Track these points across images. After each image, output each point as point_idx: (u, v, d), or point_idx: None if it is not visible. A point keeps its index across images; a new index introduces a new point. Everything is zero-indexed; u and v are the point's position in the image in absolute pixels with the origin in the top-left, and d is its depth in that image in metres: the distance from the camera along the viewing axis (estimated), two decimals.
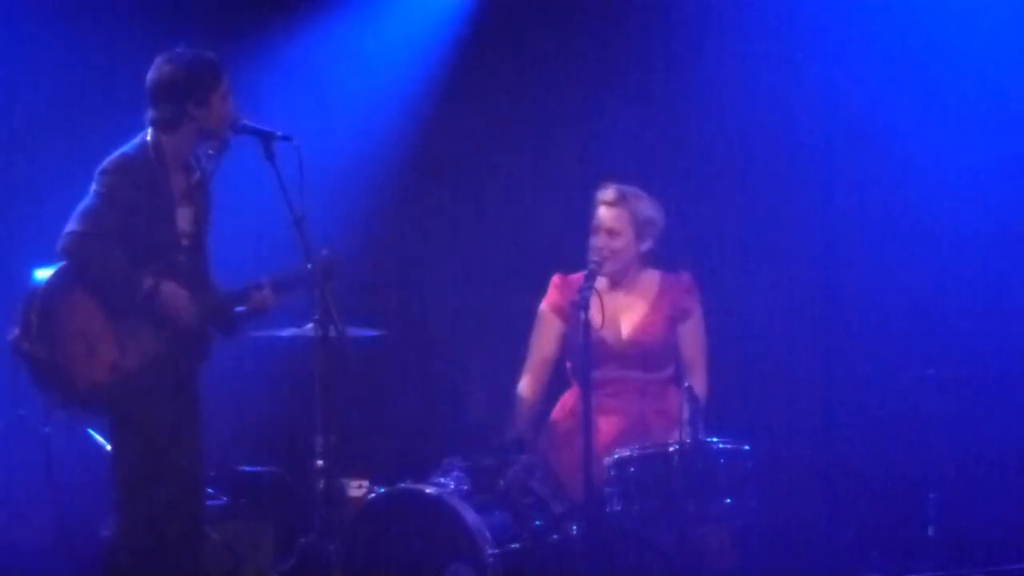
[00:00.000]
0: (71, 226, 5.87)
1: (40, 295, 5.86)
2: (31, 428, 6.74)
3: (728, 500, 6.08)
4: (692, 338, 6.77)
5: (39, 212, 6.09)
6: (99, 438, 6.92)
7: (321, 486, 6.11)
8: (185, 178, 6.04)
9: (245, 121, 6.02)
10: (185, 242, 6.02)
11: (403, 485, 6.52)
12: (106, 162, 5.96)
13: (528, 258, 7.91)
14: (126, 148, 6.00)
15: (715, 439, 6.16)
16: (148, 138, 5.99)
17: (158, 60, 5.99)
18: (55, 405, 6.09)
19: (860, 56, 7.87)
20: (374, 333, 7.02)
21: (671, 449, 6.09)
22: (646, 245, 6.77)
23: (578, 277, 6.53)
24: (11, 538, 7.33)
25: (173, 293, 5.89)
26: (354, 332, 6.25)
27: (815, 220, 7.96)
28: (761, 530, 6.58)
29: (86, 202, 5.91)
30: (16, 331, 5.89)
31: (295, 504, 7.06)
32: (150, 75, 5.99)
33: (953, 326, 7.66)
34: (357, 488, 6.95)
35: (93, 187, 5.93)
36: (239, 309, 6.07)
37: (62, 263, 5.89)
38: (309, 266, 6.02)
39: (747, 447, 6.19)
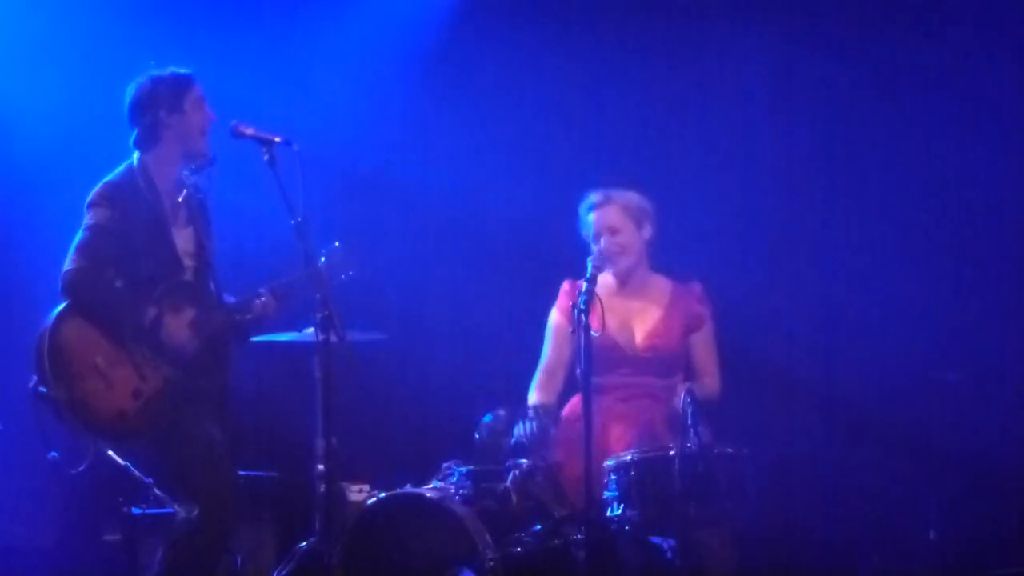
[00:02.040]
0: (67, 264, 5.95)
1: (47, 337, 5.92)
2: (63, 469, 6.75)
3: (728, 504, 6.07)
4: (705, 347, 6.78)
5: (53, 254, 6.09)
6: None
7: (322, 490, 6.10)
8: (178, 198, 6.08)
9: (245, 127, 6.03)
10: (189, 262, 6.09)
11: (404, 489, 6.53)
12: (92, 193, 6.03)
13: (529, 260, 7.91)
14: (110, 176, 6.07)
15: (715, 442, 6.16)
16: (134, 162, 6.04)
17: (131, 84, 6.08)
18: (88, 443, 6.12)
19: (859, 55, 7.86)
20: (375, 337, 7.02)
21: (671, 453, 6.08)
22: (647, 233, 6.79)
23: None
24: (15, 539, 7.35)
25: (175, 328, 5.96)
26: (355, 336, 6.26)
27: (815, 222, 7.96)
28: (761, 533, 6.57)
29: (78, 237, 5.96)
30: (34, 377, 5.93)
31: (296, 508, 7.06)
32: (126, 98, 6.07)
33: (954, 328, 7.66)
34: (358, 492, 6.95)
35: (83, 220, 5.97)
36: (246, 318, 6.17)
37: (65, 302, 5.94)
38: (322, 260, 6.16)
39: (747, 450, 6.18)
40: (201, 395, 6.06)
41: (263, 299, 6.16)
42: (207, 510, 5.98)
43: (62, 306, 5.97)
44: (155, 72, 6.12)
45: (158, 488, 6.68)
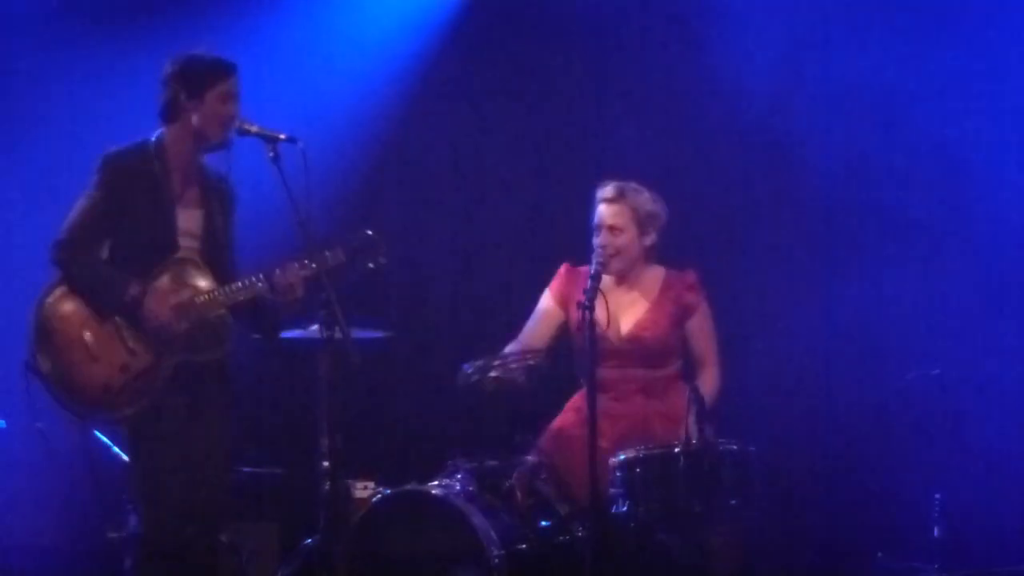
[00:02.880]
0: (59, 234, 5.90)
1: (36, 309, 5.90)
2: (49, 441, 6.75)
3: (733, 501, 6.08)
4: (700, 333, 6.76)
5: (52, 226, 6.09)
6: (104, 438, 6.93)
7: (326, 487, 6.09)
8: (191, 179, 6.03)
9: (249, 124, 6.00)
10: (190, 243, 5.99)
11: (408, 486, 6.53)
12: (98, 159, 5.97)
13: (532, 258, 7.90)
14: (123, 145, 6.00)
15: (720, 440, 6.16)
16: (152, 136, 6.00)
17: (174, 54, 6.04)
18: (76, 417, 6.08)
19: (859, 55, 7.87)
20: (379, 334, 7.02)
21: (676, 450, 6.08)
22: (649, 239, 6.77)
23: (586, 270, 6.52)
24: (18, 539, 7.35)
25: (156, 306, 5.87)
26: (359, 333, 6.24)
27: (817, 219, 7.96)
28: (766, 531, 6.57)
29: (76, 205, 5.92)
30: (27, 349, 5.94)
31: (300, 506, 7.06)
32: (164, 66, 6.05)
33: (958, 325, 7.65)
34: (362, 489, 6.94)
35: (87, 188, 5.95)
36: (271, 301, 6.01)
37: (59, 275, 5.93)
38: (348, 246, 6.01)
39: (752, 448, 6.19)
40: (200, 377, 5.96)
41: (288, 268, 5.93)
42: (145, 531, 5.93)
43: (55, 279, 5.93)
44: (196, 53, 6.00)
45: None
